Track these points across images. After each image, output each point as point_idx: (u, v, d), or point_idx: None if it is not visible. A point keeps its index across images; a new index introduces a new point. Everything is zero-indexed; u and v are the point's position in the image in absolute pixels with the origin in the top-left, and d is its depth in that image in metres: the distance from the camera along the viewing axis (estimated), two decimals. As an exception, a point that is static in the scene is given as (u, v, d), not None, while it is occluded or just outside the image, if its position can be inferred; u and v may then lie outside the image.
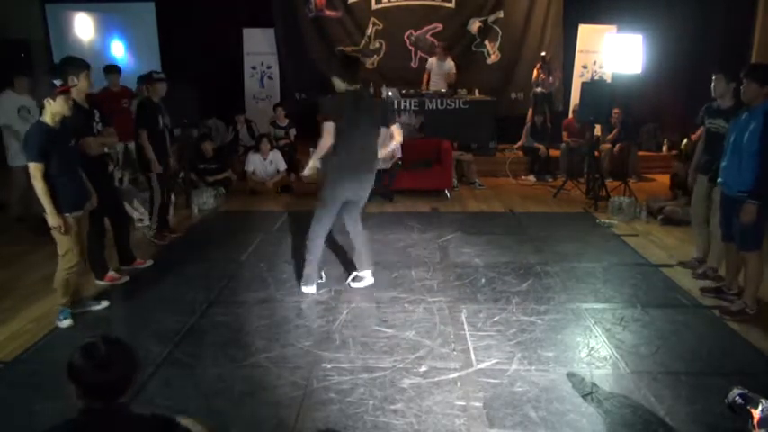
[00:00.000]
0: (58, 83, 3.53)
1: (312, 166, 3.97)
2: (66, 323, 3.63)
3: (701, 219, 4.58)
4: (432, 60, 8.84)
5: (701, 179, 4.48)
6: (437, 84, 8.71)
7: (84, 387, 1.60)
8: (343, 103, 3.87)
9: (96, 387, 1.60)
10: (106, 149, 4.51)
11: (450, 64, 8.70)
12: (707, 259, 4.59)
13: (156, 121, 5.11)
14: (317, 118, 3.75)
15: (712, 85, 4.19)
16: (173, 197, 6.33)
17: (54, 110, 3.45)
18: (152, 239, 5.32)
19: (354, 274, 4.29)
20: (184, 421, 1.83)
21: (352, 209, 4.15)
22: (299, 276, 4.41)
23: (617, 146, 8.01)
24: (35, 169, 3.37)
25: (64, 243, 3.58)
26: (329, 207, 4.00)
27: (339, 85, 3.93)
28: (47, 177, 3.41)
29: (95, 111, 4.24)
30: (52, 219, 3.47)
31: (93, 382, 1.59)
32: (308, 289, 4.13)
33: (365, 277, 4.24)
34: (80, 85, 4.05)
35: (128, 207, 5.24)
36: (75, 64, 4.06)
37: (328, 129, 3.78)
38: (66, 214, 3.53)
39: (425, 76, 8.86)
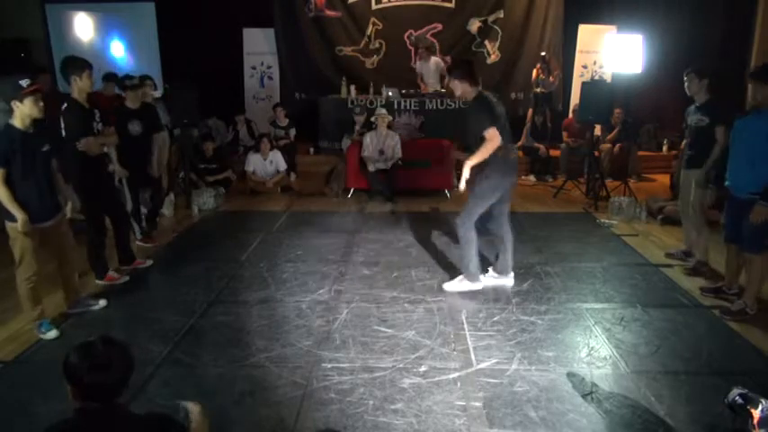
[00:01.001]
0: (24, 83, 3.25)
1: (467, 177, 3.87)
2: (52, 334, 3.48)
3: (687, 212, 4.66)
4: (417, 63, 8.87)
5: (685, 174, 4.57)
6: (433, 84, 8.71)
7: (80, 388, 1.59)
8: (492, 106, 3.87)
9: (93, 388, 1.59)
10: (105, 149, 4.50)
11: (434, 62, 8.68)
12: (694, 252, 4.68)
13: (124, 127, 4.92)
14: (485, 136, 3.69)
15: (686, 84, 4.39)
16: (172, 197, 6.34)
17: (23, 112, 3.25)
18: (140, 243, 5.25)
19: (496, 274, 4.28)
20: (189, 405, 1.84)
21: (504, 207, 4.14)
22: (298, 276, 4.42)
23: (617, 146, 8.01)
24: None
25: (18, 250, 3.40)
26: (486, 202, 3.98)
27: (467, 89, 3.92)
28: (10, 183, 3.25)
29: (95, 111, 4.22)
30: (22, 225, 3.28)
31: (89, 383, 1.58)
32: (477, 285, 4.14)
33: (508, 282, 4.26)
34: (82, 85, 4.03)
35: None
36: (77, 64, 4.04)
37: (495, 136, 3.72)
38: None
39: (420, 82, 8.86)
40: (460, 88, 3.94)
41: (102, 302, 3.93)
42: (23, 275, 3.44)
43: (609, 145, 8.08)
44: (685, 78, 4.39)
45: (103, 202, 4.32)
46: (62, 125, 4.06)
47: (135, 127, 5.01)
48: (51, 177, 3.56)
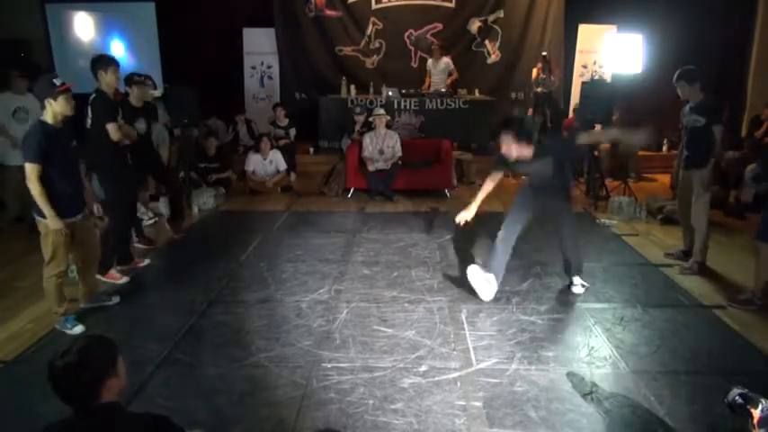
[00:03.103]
0: (58, 82, 3.39)
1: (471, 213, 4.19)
2: (78, 329, 3.51)
3: (686, 212, 4.67)
4: (429, 61, 8.87)
5: (685, 174, 4.59)
6: (438, 84, 8.72)
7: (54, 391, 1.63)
8: None
9: (57, 392, 1.63)
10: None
11: (445, 62, 8.69)
12: (693, 252, 4.68)
13: (131, 124, 4.84)
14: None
15: (678, 91, 4.45)
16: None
17: (55, 110, 3.36)
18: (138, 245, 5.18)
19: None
20: None
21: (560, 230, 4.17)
22: (298, 276, 4.42)
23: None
24: (31, 170, 3.24)
25: (50, 246, 3.44)
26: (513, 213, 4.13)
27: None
28: (45, 179, 3.31)
29: (119, 107, 4.35)
30: (53, 222, 3.34)
31: (54, 388, 1.63)
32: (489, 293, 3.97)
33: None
34: (108, 79, 4.16)
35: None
36: (103, 60, 4.18)
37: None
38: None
39: (427, 78, 8.86)
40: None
41: (116, 299, 3.97)
42: (52, 272, 3.49)
43: (609, 145, 8.07)
44: (676, 87, 4.43)
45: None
46: (89, 114, 4.20)
47: (140, 125, 5.02)
48: (78, 172, 3.66)
